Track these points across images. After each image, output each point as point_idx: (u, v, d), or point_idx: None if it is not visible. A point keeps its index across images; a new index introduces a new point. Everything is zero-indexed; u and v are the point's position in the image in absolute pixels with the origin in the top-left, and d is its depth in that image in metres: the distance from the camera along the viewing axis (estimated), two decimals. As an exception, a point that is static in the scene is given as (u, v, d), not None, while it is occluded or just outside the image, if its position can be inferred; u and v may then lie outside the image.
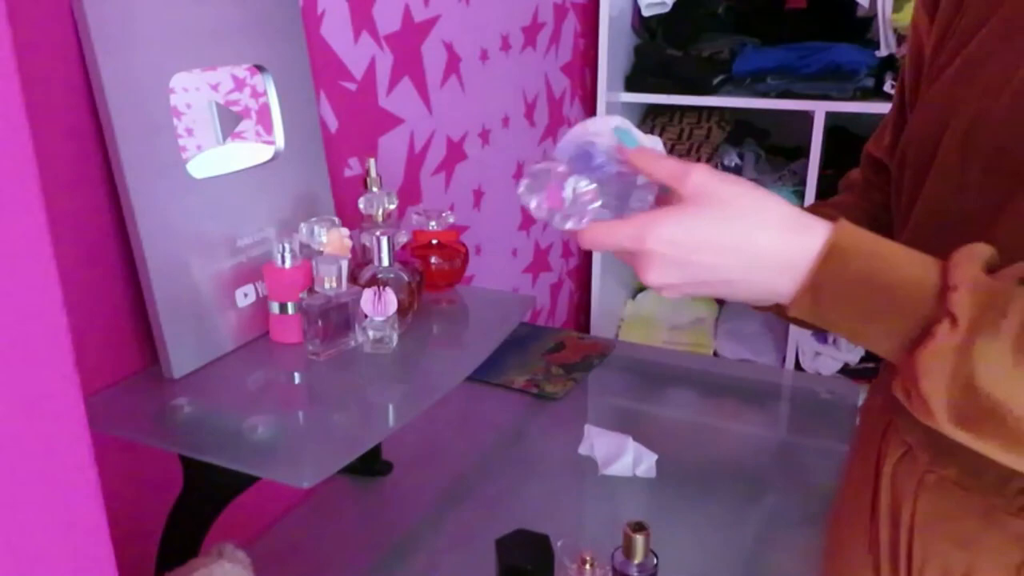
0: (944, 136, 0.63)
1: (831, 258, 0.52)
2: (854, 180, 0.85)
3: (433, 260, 1.17)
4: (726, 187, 0.54)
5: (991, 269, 0.51)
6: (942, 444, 0.58)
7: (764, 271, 0.53)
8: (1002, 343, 0.48)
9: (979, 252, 0.51)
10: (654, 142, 0.63)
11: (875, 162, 0.81)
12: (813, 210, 0.68)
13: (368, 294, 0.95)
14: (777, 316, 0.63)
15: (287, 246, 0.97)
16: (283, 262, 0.97)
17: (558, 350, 1.74)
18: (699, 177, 0.55)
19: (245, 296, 1.02)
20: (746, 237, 0.53)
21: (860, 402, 1.23)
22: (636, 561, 0.90)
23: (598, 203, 0.58)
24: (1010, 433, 0.49)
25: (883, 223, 0.74)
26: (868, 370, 2.26)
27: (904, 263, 0.52)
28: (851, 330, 0.53)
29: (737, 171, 2.32)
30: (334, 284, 0.95)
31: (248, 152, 1.07)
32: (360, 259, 1.10)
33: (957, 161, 0.61)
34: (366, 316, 0.97)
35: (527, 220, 2.06)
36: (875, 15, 2.07)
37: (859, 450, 0.74)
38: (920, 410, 0.52)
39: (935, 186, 0.64)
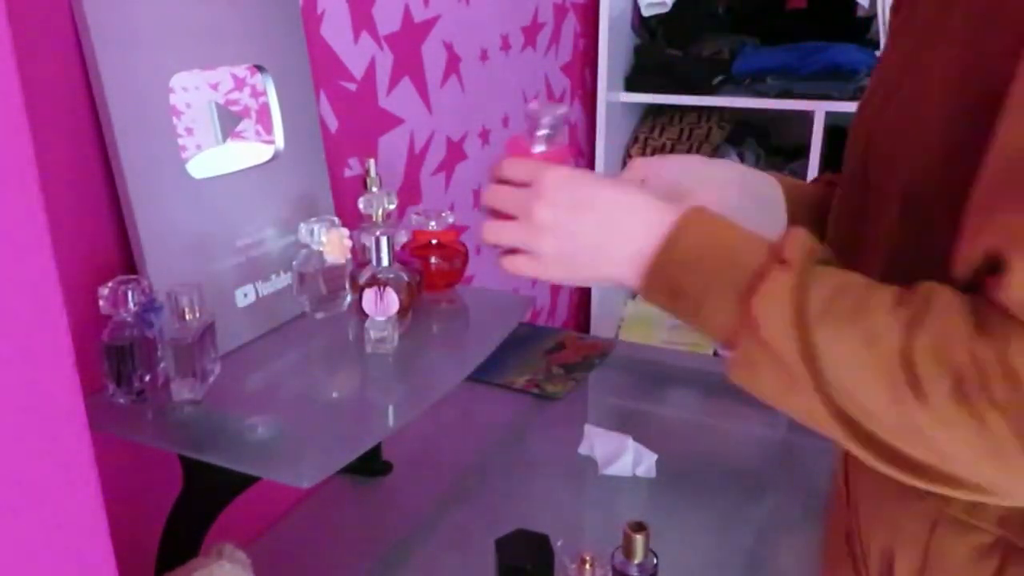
0: (853, 150, 0.67)
1: (688, 217, 0.56)
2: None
3: (433, 260, 1.17)
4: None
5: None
6: None
7: (632, 220, 0.57)
8: (820, 289, 0.50)
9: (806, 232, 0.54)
10: None
11: None
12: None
13: (369, 294, 0.95)
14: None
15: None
16: None
17: (558, 350, 1.74)
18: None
19: (245, 296, 1.02)
20: (622, 192, 0.59)
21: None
22: (636, 561, 0.90)
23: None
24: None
25: None
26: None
27: (750, 233, 0.56)
28: (696, 294, 0.55)
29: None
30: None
31: (248, 152, 1.07)
32: (360, 259, 1.10)
33: (860, 175, 0.64)
34: (367, 316, 0.97)
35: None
36: (875, 15, 2.07)
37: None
38: (767, 368, 0.52)
39: (844, 202, 0.68)
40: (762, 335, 0.50)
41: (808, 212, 0.77)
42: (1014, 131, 0.46)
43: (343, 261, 1.04)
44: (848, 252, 0.61)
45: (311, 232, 1.02)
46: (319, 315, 1.05)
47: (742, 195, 0.74)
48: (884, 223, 0.59)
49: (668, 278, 0.55)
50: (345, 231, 1.03)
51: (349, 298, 1.06)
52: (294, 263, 1.03)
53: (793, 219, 0.77)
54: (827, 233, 0.71)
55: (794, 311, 0.49)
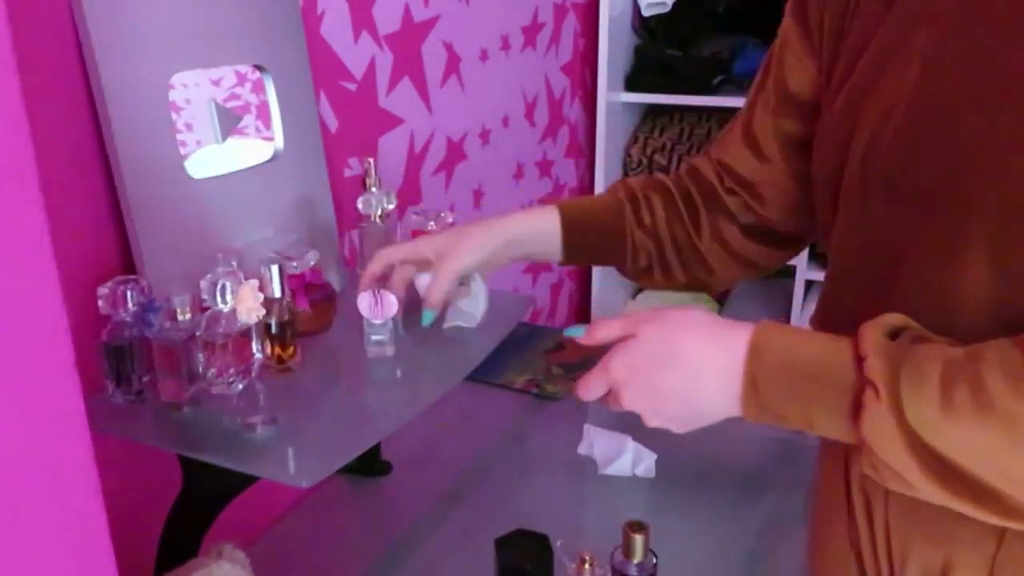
0: (844, 169, 0.66)
1: (753, 354, 0.59)
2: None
3: (433, 260, 1.16)
4: (653, 321, 0.65)
5: (899, 331, 0.55)
6: None
7: (706, 376, 0.60)
8: (925, 396, 0.51)
9: (882, 320, 0.55)
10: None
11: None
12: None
13: (366, 297, 0.95)
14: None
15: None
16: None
17: (558, 350, 1.74)
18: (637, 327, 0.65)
19: (245, 296, 1.02)
20: (680, 347, 0.62)
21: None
22: (635, 561, 0.90)
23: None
24: (975, 490, 0.51)
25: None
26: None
27: (817, 346, 0.57)
28: (801, 418, 0.58)
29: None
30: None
31: (248, 152, 1.07)
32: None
33: (859, 191, 0.65)
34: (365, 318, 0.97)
35: (527, 220, 2.06)
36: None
37: (827, 451, 0.74)
38: (894, 481, 0.55)
39: (844, 218, 0.68)
40: (882, 459, 0.53)
41: (592, 236, 0.89)
42: None
43: (256, 319, 0.87)
44: (886, 276, 0.61)
45: (218, 290, 0.84)
46: (239, 387, 0.88)
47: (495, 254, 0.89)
48: (969, 243, 0.56)
49: (766, 412, 0.59)
50: (255, 282, 0.87)
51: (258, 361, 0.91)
52: (198, 333, 0.84)
53: (571, 247, 0.89)
54: (833, 252, 0.70)
55: (904, 437, 0.51)
